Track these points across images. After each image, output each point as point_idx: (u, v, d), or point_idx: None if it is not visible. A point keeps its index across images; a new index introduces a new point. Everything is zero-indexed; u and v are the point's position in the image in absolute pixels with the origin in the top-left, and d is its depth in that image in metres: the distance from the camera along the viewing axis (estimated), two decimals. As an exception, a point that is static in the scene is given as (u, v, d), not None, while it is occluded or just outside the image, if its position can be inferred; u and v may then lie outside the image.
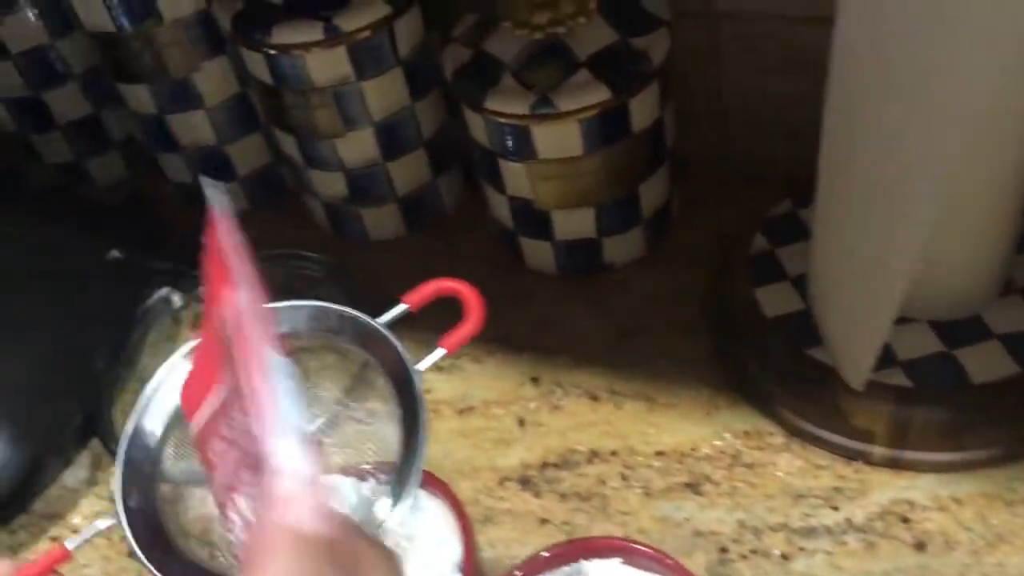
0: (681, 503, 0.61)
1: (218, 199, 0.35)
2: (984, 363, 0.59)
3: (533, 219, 0.73)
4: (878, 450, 0.60)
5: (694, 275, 0.73)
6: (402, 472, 0.43)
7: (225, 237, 0.34)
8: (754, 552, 0.58)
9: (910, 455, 0.59)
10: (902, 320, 0.62)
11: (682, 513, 0.61)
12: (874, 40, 0.45)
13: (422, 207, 0.81)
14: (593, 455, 0.65)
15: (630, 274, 0.75)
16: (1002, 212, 0.56)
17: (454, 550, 0.52)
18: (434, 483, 0.55)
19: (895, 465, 0.60)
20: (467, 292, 0.48)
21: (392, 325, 0.48)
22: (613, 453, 0.65)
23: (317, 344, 0.50)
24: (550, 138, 0.67)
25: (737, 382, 0.66)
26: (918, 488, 0.59)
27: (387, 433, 0.47)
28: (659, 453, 0.64)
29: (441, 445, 0.67)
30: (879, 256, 0.53)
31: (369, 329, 0.47)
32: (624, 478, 0.63)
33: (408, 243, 0.84)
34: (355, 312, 0.48)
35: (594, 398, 0.68)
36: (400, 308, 0.48)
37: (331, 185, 0.78)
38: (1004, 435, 0.59)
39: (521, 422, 0.68)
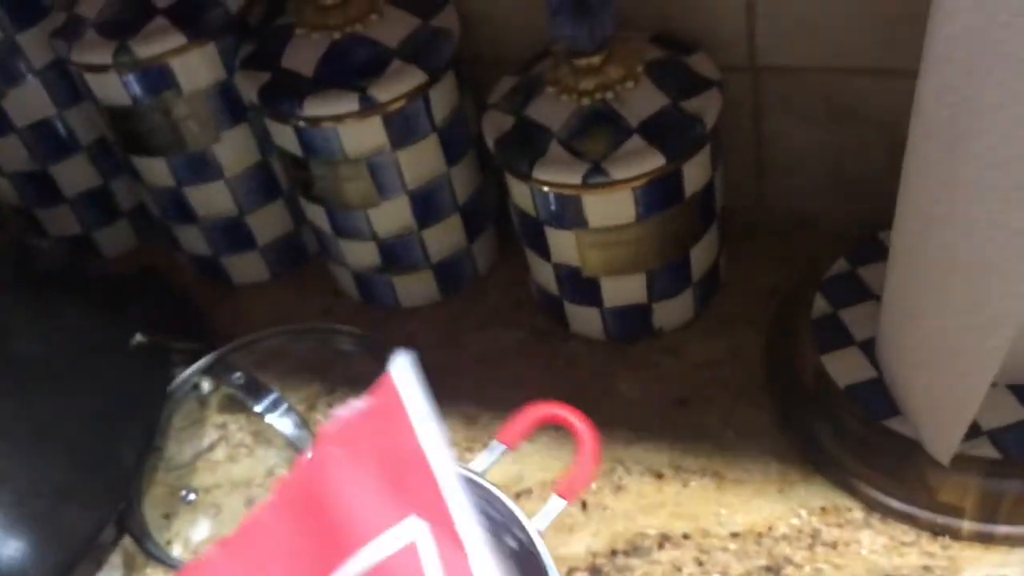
0: (764, 589, 0.59)
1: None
2: (1072, 430, 0.57)
3: (581, 286, 0.70)
4: (967, 525, 0.58)
5: (746, 337, 0.71)
6: None
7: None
8: (848, 641, 0.55)
9: (1003, 530, 0.57)
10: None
11: (767, 601, 0.58)
12: (969, 94, 0.42)
13: (456, 271, 0.78)
14: (664, 539, 0.62)
15: (680, 339, 0.73)
16: None
17: None
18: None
19: (986, 540, 0.58)
20: (575, 421, 0.43)
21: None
22: (685, 536, 0.62)
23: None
24: (602, 207, 0.64)
25: (809, 455, 0.63)
26: (1012, 565, 0.57)
27: None
28: (734, 535, 0.62)
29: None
30: (971, 327, 0.50)
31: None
32: (700, 563, 0.61)
33: (441, 309, 0.81)
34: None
35: (659, 476, 0.65)
36: (497, 450, 0.44)
37: (363, 255, 0.75)
38: (1100, 504, 0.56)
39: (584, 505, 0.65)
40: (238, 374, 0.73)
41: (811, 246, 0.74)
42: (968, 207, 0.46)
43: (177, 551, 0.67)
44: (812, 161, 0.74)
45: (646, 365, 0.72)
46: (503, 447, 0.41)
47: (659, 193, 0.64)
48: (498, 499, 0.39)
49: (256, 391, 0.72)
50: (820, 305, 0.67)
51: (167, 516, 0.70)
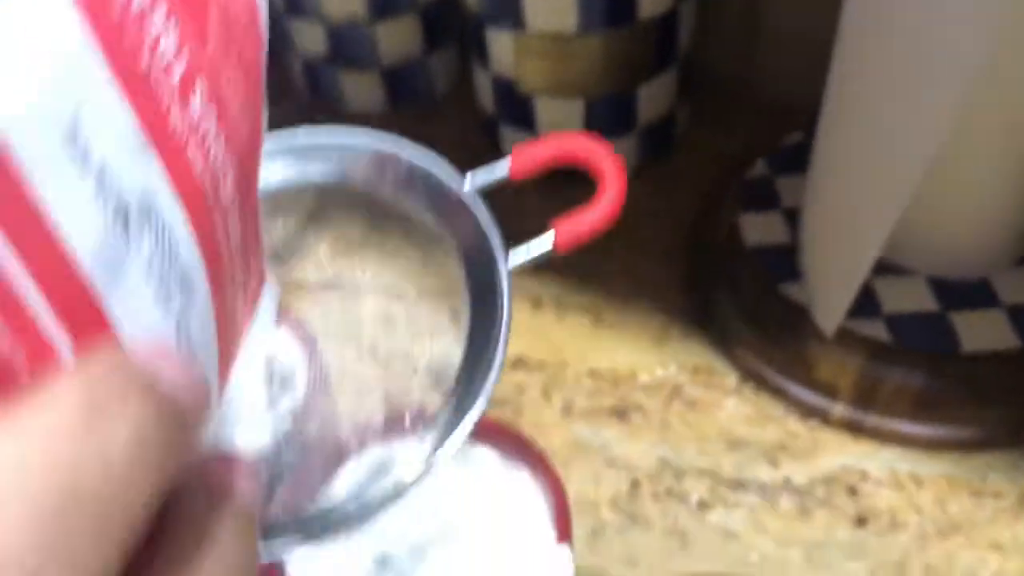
0: (601, 428, 0.53)
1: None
2: (981, 331, 0.51)
3: (516, 104, 0.65)
4: (839, 409, 0.51)
5: (686, 200, 0.65)
6: (460, 400, 0.29)
7: None
8: (669, 493, 0.50)
9: (874, 420, 0.51)
10: (898, 271, 0.53)
11: (599, 439, 0.53)
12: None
13: (409, 82, 0.74)
14: (519, 361, 0.57)
15: (613, 188, 0.67)
16: (1014, 168, 0.48)
17: (539, 517, 0.37)
18: (502, 435, 0.39)
19: (855, 429, 0.51)
20: (605, 161, 0.32)
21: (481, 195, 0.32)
22: (541, 364, 0.57)
23: (366, 202, 0.34)
24: (542, 5, 0.59)
25: (700, 312, 0.58)
26: (876, 459, 0.51)
27: (445, 341, 0.33)
28: (592, 372, 0.56)
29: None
30: (870, 192, 0.45)
31: (445, 192, 0.32)
32: (546, 392, 0.56)
33: (388, 121, 0.76)
34: (431, 164, 0.33)
35: (537, 304, 0.60)
36: (498, 171, 0.31)
37: (312, 39, 0.71)
38: (989, 416, 0.50)
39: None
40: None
41: (785, 123, 0.67)
42: (883, 68, 0.41)
43: None
44: (805, 39, 0.68)
45: (567, 205, 0.67)
46: (505, 172, 0.32)
47: (607, 3, 0.58)
48: (475, 219, 0.31)
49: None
50: (759, 169, 0.61)
51: None
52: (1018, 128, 0.46)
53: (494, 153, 0.68)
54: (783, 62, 0.69)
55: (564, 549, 0.33)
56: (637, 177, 0.67)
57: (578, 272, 0.61)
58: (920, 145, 0.40)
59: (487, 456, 0.36)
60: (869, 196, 0.46)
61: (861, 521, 0.48)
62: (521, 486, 0.37)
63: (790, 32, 0.68)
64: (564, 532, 0.34)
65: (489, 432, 0.38)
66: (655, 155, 0.68)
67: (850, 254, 0.48)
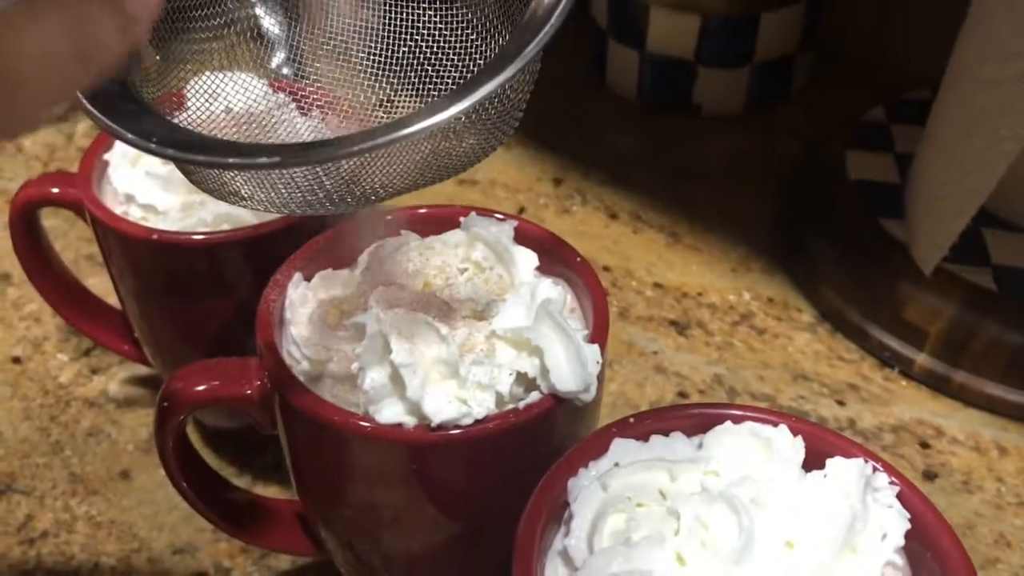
0: (658, 337, 0.49)
1: None
2: (1101, 297, 0.45)
3: (627, 17, 0.62)
4: (923, 359, 0.46)
5: (794, 147, 0.60)
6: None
7: None
8: (718, 409, 0.45)
9: (961, 376, 0.45)
10: (1014, 228, 0.48)
11: (653, 346, 0.49)
12: None
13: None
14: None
15: (719, 127, 0.63)
16: None
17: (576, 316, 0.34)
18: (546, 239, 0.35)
19: (938, 384, 0.46)
20: None
21: None
22: (605, 268, 0.53)
23: None
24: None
25: (787, 250, 0.53)
26: (956, 419, 0.45)
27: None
28: (657, 284, 0.52)
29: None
30: (984, 141, 0.41)
31: None
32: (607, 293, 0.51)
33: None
34: None
35: (613, 216, 0.56)
36: None
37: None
38: (1094, 392, 0.44)
39: (521, 210, 0.57)
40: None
41: (908, 87, 0.62)
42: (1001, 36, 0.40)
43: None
44: (938, 12, 0.63)
45: (669, 139, 0.63)
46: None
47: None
48: None
49: None
50: (876, 115, 0.56)
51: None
52: None
53: (599, 82, 0.64)
54: (915, 31, 0.64)
55: (595, 348, 0.30)
56: (748, 116, 0.63)
57: (662, 195, 0.57)
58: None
59: (528, 257, 0.33)
60: (983, 138, 0.42)
61: (930, 476, 0.43)
62: (560, 286, 0.33)
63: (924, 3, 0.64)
64: (598, 335, 0.31)
65: (530, 236, 0.34)
66: (770, 98, 0.63)
67: (959, 191, 0.43)
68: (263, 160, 0.24)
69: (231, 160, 0.24)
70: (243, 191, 0.27)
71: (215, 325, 0.39)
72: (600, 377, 0.30)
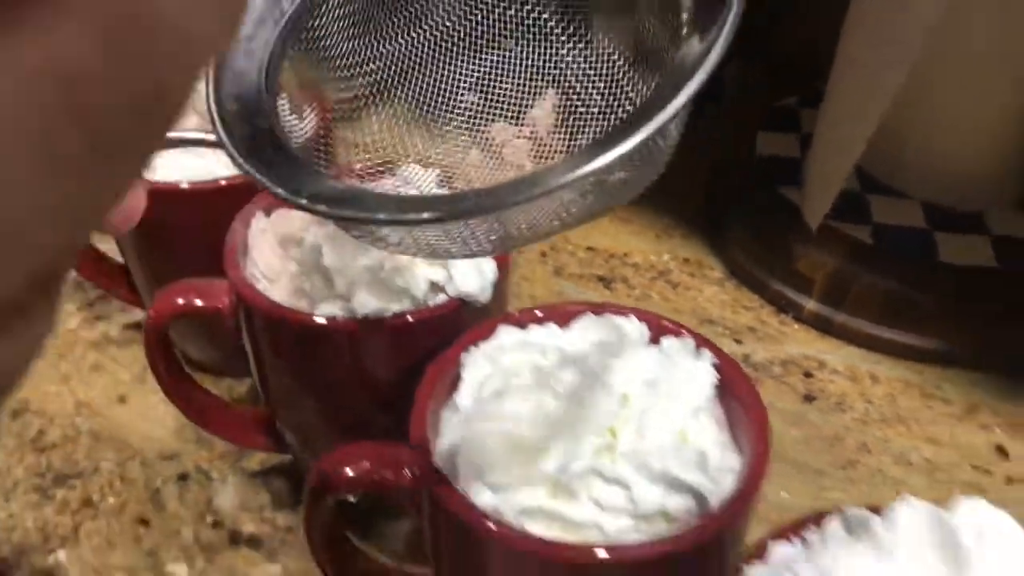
0: (586, 290, 0.57)
1: None
2: (961, 249, 0.52)
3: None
4: (811, 304, 0.53)
5: (723, 131, 0.67)
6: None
7: None
8: (631, 346, 0.52)
9: (842, 318, 0.53)
10: (897, 194, 0.55)
11: (582, 297, 0.56)
12: None
13: None
14: (525, 229, 0.60)
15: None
16: (1012, 103, 0.51)
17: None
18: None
19: (824, 326, 0.53)
20: None
21: None
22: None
23: None
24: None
25: (707, 218, 0.61)
26: (837, 355, 0.52)
27: None
28: (589, 248, 0.60)
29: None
30: (856, 106, 0.49)
31: None
32: (543, 255, 0.59)
33: None
34: None
35: (556, 190, 0.64)
36: None
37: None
38: (954, 331, 0.51)
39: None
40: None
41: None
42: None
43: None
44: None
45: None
46: None
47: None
48: None
49: None
50: (788, 102, 0.64)
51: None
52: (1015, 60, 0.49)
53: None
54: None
55: (491, 262, 0.37)
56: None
57: (601, 172, 0.65)
58: (893, 66, 0.45)
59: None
60: (854, 109, 0.49)
61: (809, 398, 0.50)
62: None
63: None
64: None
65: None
66: (704, 100, 0.71)
67: (837, 156, 0.51)
68: (412, 217, 0.23)
69: (379, 216, 0.23)
70: (391, 239, 0.26)
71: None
72: (499, 286, 0.37)
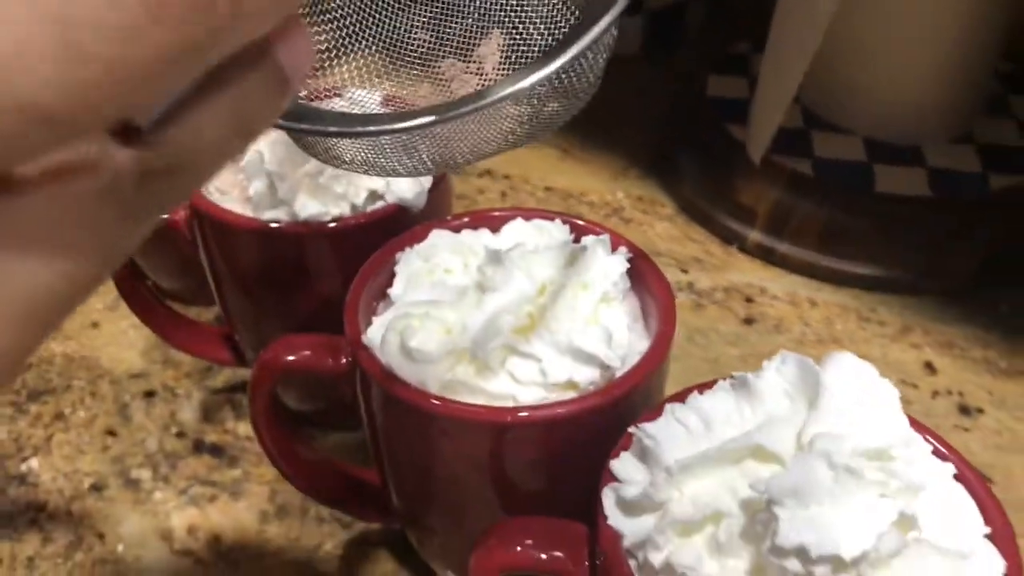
0: (541, 225, 0.59)
1: None
2: (897, 179, 0.55)
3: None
4: (755, 235, 0.56)
5: (683, 83, 0.70)
6: None
7: None
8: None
9: (784, 248, 0.55)
10: (839, 130, 0.58)
11: (537, 231, 0.58)
12: None
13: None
14: (485, 172, 0.63)
15: (617, 66, 0.73)
16: (945, 37, 0.53)
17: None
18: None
19: (767, 256, 0.55)
20: None
21: None
22: (506, 176, 0.63)
23: None
24: None
25: (660, 159, 0.63)
26: (779, 282, 0.55)
27: None
28: (548, 188, 0.62)
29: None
30: (792, 44, 0.51)
31: None
32: (503, 196, 0.61)
33: None
34: None
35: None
36: None
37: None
38: (890, 258, 0.53)
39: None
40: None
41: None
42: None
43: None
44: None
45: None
46: None
47: None
48: None
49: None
50: (740, 47, 0.66)
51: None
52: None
53: None
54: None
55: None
56: (644, 58, 0.73)
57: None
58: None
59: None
60: (791, 47, 0.51)
61: (749, 321, 0.52)
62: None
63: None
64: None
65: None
66: (665, 44, 0.73)
67: (776, 92, 0.53)
68: (348, 129, 0.26)
69: (331, 129, 0.26)
70: (344, 156, 0.29)
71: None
72: (436, 195, 0.40)
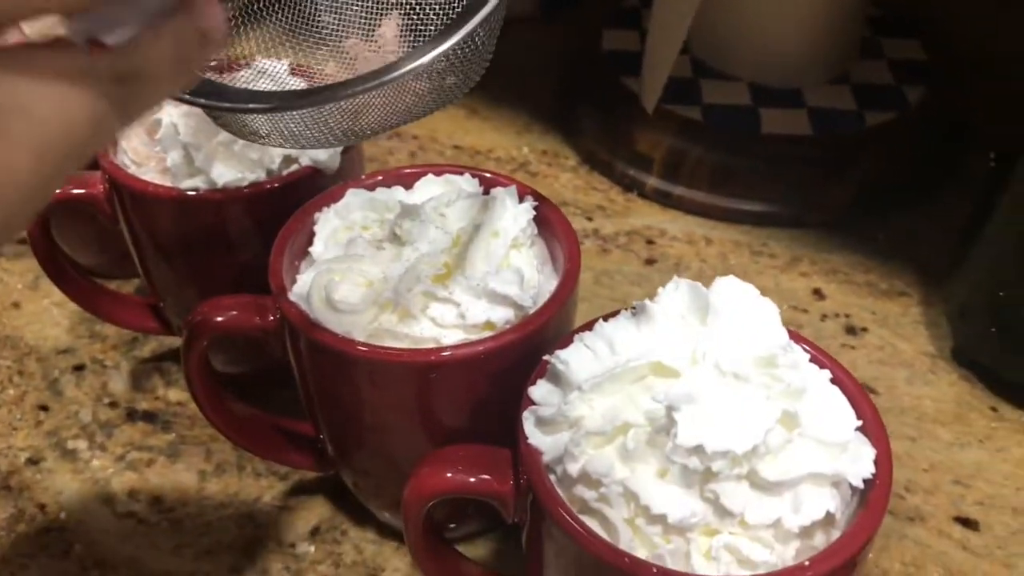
0: (450, 183, 0.61)
1: None
2: (781, 121, 0.58)
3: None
4: (652, 181, 0.59)
5: (580, 41, 0.72)
6: None
7: None
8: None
9: (679, 191, 0.58)
10: (726, 77, 0.61)
11: (446, 189, 0.60)
12: None
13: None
14: (394, 134, 0.65)
15: (517, 27, 0.75)
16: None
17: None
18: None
19: (664, 200, 0.59)
20: None
21: None
22: (415, 137, 0.65)
23: None
24: None
25: (561, 112, 0.65)
26: (677, 224, 0.58)
27: None
28: (456, 146, 0.64)
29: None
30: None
31: None
32: (412, 156, 0.63)
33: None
34: None
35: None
36: None
37: None
38: (776, 194, 0.57)
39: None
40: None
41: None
42: None
43: None
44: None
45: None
46: None
47: None
48: None
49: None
50: (632, 1, 0.69)
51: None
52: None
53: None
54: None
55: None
56: (543, 18, 0.75)
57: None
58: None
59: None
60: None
61: (650, 262, 0.56)
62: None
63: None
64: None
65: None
66: (561, 5, 0.75)
67: (664, 44, 0.56)
68: (263, 105, 0.28)
69: (250, 105, 0.29)
70: (261, 131, 0.31)
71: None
72: (349, 156, 0.42)
